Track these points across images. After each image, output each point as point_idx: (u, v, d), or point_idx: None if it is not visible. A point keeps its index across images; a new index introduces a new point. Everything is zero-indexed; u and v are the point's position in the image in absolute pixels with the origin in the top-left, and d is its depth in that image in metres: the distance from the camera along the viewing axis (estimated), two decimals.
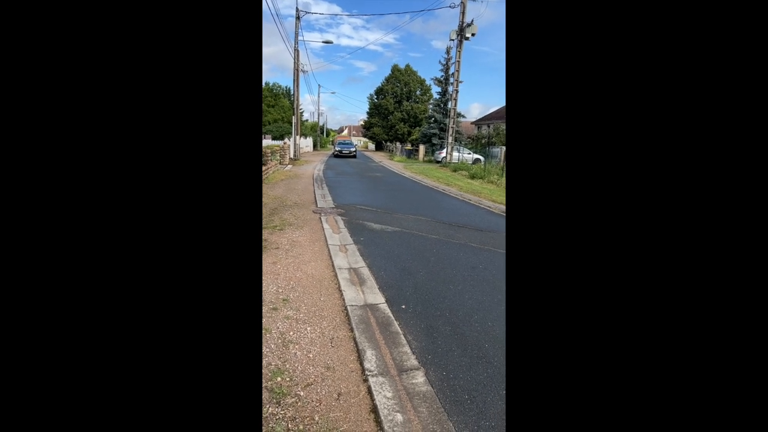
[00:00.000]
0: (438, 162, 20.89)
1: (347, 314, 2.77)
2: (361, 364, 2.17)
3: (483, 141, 25.17)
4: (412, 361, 2.21)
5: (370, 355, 2.25)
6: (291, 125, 23.75)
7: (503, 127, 27.00)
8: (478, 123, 33.68)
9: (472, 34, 14.99)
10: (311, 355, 2.24)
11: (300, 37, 19.77)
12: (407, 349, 2.33)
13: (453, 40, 16.19)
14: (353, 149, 27.07)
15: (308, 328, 2.55)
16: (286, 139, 18.47)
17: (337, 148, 27.10)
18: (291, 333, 2.48)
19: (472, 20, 15.01)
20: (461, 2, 15.29)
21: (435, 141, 25.27)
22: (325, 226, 5.39)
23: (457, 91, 16.57)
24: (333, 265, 3.77)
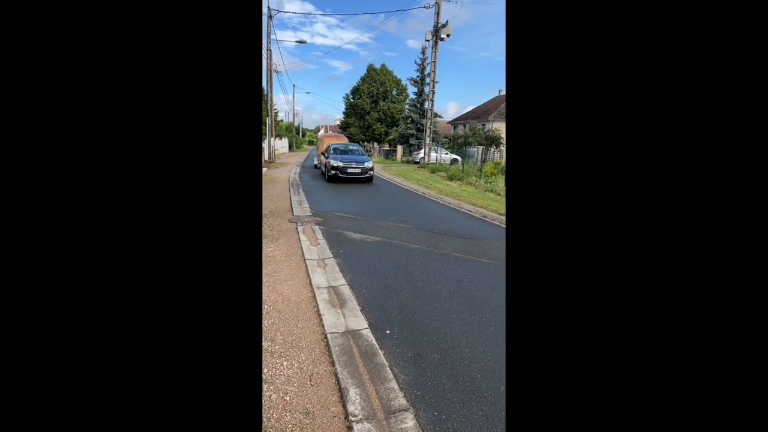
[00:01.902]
0: (416, 163, 20.84)
1: (327, 344, 2.55)
2: (345, 406, 1.96)
3: (460, 141, 25.33)
4: (400, 399, 2.01)
5: (353, 394, 2.04)
6: (265, 126, 18.52)
7: (479, 126, 27.29)
8: (455, 123, 33.92)
9: (447, 35, 14.97)
10: (288, 398, 2.02)
11: (273, 36, 19.22)
12: (394, 384, 2.14)
13: (428, 40, 16.14)
14: (366, 164, 11.85)
15: (285, 363, 2.32)
16: None
17: (331, 162, 11.76)
18: (265, 370, 2.23)
19: (447, 21, 15.00)
20: (436, 3, 15.25)
21: (412, 141, 25.23)
22: (302, 237, 5.12)
23: (433, 92, 16.54)
24: (311, 284, 3.54)
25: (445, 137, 28.01)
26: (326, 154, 12.81)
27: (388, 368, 2.29)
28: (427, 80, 18.36)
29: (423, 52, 24.66)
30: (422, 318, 2.94)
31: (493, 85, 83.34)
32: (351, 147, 13.77)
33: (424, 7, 15.64)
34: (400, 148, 25.29)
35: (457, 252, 4.71)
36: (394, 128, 33.99)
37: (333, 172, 11.50)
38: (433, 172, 15.44)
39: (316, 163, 16.87)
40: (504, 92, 32.15)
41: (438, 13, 15.27)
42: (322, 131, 69.12)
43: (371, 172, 11.87)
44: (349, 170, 11.46)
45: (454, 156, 21.65)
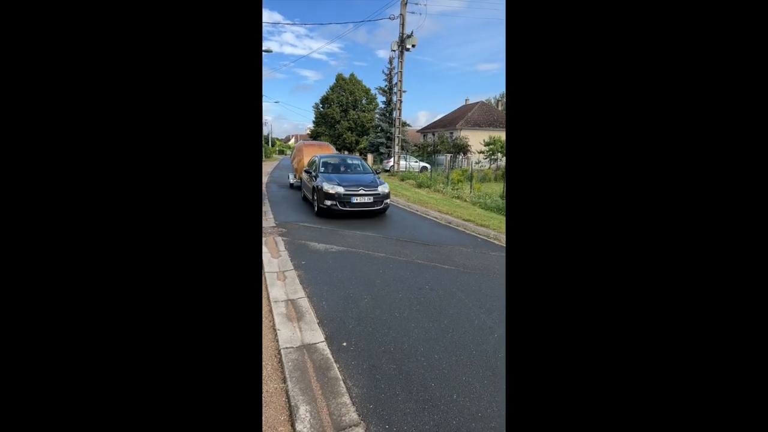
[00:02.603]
0: (387, 171, 20.99)
1: (281, 360, 2.46)
2: (293, 425, 1.89)
3: (429, 149, 25.74)
4: (352, 414, 1.96)
5: (303, 412, 1.97)
6: None
7: (447, 135, 27.86)
8: (424, 131, 34.47)
9: (413, 45, 15.26)
10: None
11: None
12: (347, 398, 2.08)
13: (394, 50, 16.38)
14: (381, 188, 7.50)
15: None
16: None
17: (325, 186, 7.20)
18: None
19: (412, 32, 15.30)
20: (401, 14, 15.53)
21: (383, 150, 25.41)
22: (264, 249, 4.99)
23: (400, 101, 16.76)
24: (269, 298, 3.43)
25: (415, 145, 28.40)
26: (312, 173, 8.25)
27: (341, 382, 2.23)
28: (395, 90, 18.62)
29: (390, 62, 25.01)
30: (381, 328, 2.91)
31: (461, 94, 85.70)
32: (350, 161, 9.20)
33: (389, 18, 15.89)
34: (370, 157, 25.40)
35: (421, 259, 4.72)
36: (365, 137, 34.13)
37: (329, 202, 7.00)
38: (402, 180, 15.57)
39: (291, 181, 12.41)
40: (470, 101, 33.06)
41: (403, 24, 15.55)
42: (293, 140, 67.82)
43: (387, 201, 7.52)
44: (355, 199, 7.05)
45: (423, 164, 21.95)
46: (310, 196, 8.41)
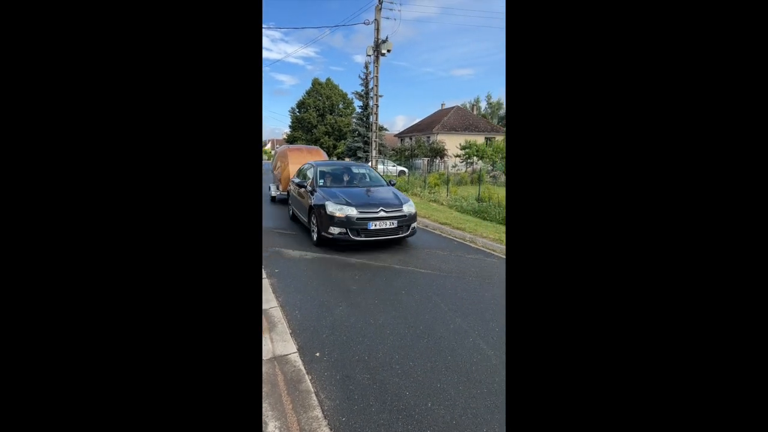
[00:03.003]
0: None
1: None
2: None
3: (406, 153, 25.88)
4: (323, 429, 1.89)
5: (272, 428, 1.89)
6: None
7: (424, 138, 28.11)
8: (401, 135, 34.67)
9: (388, 50, 15.33)
10: None
11: None
12: (318, 412, 2.01)
13: (370, 55, 16.42)
14: (406, 207, 5.32)
15: None
16: None
17: (329, 207, 5.08)
18: None
19: (387, 37, 15.38)
20: (375, 20, 15.60)
21: (360, 154, 25.36)
22: None
23: (377, 105, 16.79)
24: None
25: (393, 150, 28.50)
26: (307, 186, 6.13)
27: (313, 395, 2.16)
28: (371, 94, 18.66)
29: (366, 67, 25.07)
30: (355, 336, 2.85)
31: (437, 98, 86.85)
32: (356, 169, 6.92)
33: (364, 23, 15.92)
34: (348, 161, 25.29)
35: (397, 264, 4.69)
36: (342, 141, 34.00)
37: (337, 230, 5.06)
38: None
39: (273, 193, 10.00)
40: (445, 106, 33.53)
41: (378, 30, 15.63)
42: (269, 145, 66.67)
43: (414, 225, 5.52)
44: (373, 224, 5.06)
45: (401, 168, 22.04)
46: (303, 218, 6.12)
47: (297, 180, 6.92)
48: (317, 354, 2.60)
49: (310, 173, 6.57)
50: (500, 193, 10.63)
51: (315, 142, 37.36)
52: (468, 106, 39.95)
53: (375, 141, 17.13)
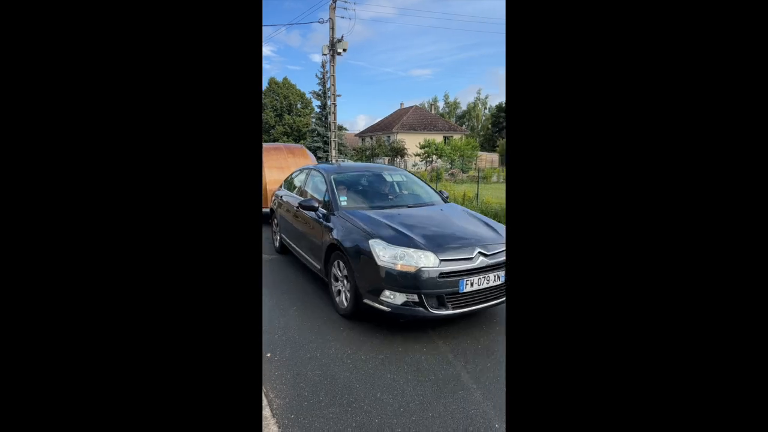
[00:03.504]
0: None
1: None
2: None
3: (367, 153, 25.96)
4: (272, 428, 1.89)
5: None
6: None
7: (384, 137, 28.32)
8: (362, 135, 34.70)
9: (344, 50, 15.30)
10: None
11: None
12: (267, 411, 2.00)
13: (326, 54, 16.30)
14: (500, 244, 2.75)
15: None
16: None
17: (378, 250, 2.60)
18: None
19: (342, 36, 15.34)
20: (330, 18, 15.51)
21: (320, 154, 25.09)
22: None
23: (335, 105, 16.70)
24: None
25: (353, 149, 28.47)
26: (321, 209, 3.60)
27: (263, 395, 2.14)
28: (329, 93, 18.52)
29: (323, 66, 24.84)
30: (308, 334, 2.85)
31: (397, 98, 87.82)
32: (389, 175, 4.35)
33: (319, 21, 15.79)
34: None
35: None
36: (302, 141, 33.45)
37: (400, 297, 2.61)
38: None
39: None
40: (404, 105, 33.96)
41: (333, 28, 15.55)
42: None
43: None
44: (470, 282, 2.64)
45: None
46: (313, 261, 3.69)
47: (289, 194, 4.57)
48: (268, 354, 2.58)
49: (315, 185, 4.09)
50: (456, 189, 11.01)
51: (274, 143, 36.47)
52: (426, 105, 40.72)
53: (334, 141, 17.03)
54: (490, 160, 27.20)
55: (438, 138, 26.62)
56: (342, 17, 16.28)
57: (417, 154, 23.35)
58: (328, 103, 22.10)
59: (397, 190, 4.23)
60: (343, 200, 3.60)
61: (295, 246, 4.31)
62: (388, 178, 4.30)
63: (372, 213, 3.31)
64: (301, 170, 4.82)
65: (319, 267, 3.54)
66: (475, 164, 22.81)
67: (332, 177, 3.89)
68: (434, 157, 22.86)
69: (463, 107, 48.36)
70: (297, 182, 4.71)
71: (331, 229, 3.23)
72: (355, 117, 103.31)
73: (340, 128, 21.98)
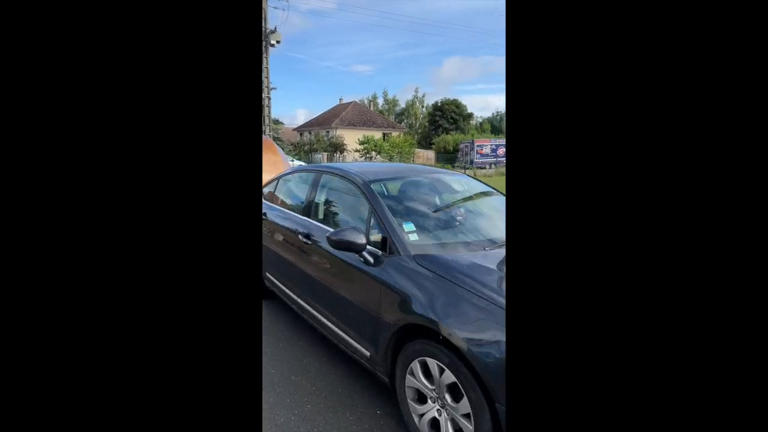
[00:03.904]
0: None
1: None
2: None
3: (306, 148, 25.53)
4: None
5: None
6: None
7: (323, 133, 28.05)
8: (301, 129, 33.98)
9: (277, 41, 14.91)
10: None
11: None
12: None
13: None
14: None
15: None
16: None
17: None
18: None
19: (276, 27, 14.95)
20: (262, 9, 15.00)
21: None
22: None
23: (269, 98, 16.22)
24: None
25: (291, 144, 27.82)
26: (364, 245, 1.81)
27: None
28: (263, 86, 17.89)
29: None
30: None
31: (337, 93, 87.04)
32: (447, 179, 2.70)
33: None
34: None
35: None
36: None
37: None
38: None
39: None
40: (343, 100, 33.88)
41: (265, 18, 15.06)
42: None
43: None
44: None
45: (300, 163, 21.69)
46: (339, 331, 2.17)
47: (279, 211, 2.93)
48: None
49: (335, 200, 2.67)
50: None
51: None
52: (366, 102, 40.99)
53: (269, 135, 16.56)
54: (426, 157, 28.20)
55: (377, 134, 27.02)
56: (275, 7, 15.81)
57: (356, 150, 23.52)
58: (263, 96, 21.33)
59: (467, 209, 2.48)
60: (409, 231, 1.92)
61: (296, 297, 2.61)
62: (444, 179, 2.74)
63: (476, 257, 1.75)
64: (301, 172, 3.10)
65: (367, 354, 1.94)
66: (413, 161, 23.58)
67: (372, 186, 2.24)
68: (373, 153, 23.20)
69: (402, 105, 49.55)
70: (295, 192, 2.95)
71: (401, 293, 1.67)
72: (294, 111, 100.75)
73: (276, 122, 21.33)
